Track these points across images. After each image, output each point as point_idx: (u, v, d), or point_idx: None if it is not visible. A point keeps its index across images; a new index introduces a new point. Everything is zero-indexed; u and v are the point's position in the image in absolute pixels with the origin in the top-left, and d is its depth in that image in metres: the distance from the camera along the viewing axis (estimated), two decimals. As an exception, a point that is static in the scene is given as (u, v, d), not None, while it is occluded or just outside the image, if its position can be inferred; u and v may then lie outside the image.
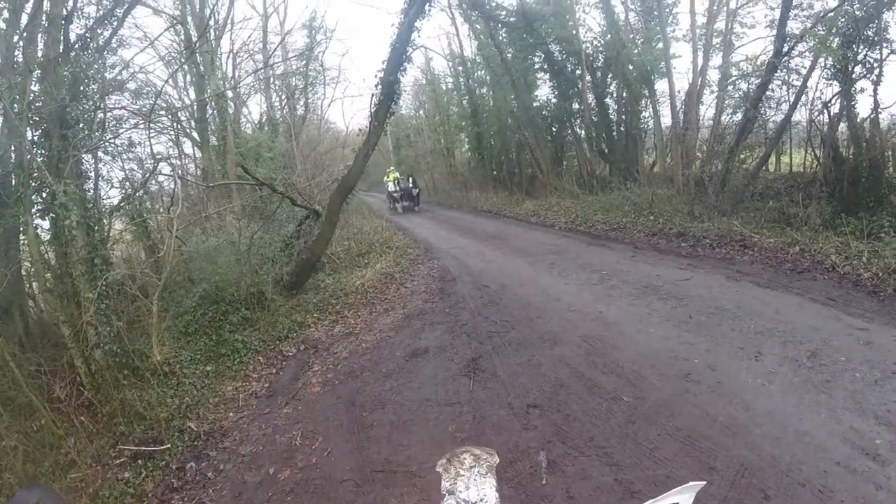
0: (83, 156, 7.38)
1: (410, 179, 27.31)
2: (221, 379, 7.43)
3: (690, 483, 1.14)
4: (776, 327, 6.22)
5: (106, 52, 8.55)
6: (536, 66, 21.67)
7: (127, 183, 9.58)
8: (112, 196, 9.08)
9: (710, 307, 7.12)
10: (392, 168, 29.56)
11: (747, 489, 3.68)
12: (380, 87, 10.72)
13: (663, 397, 5.08)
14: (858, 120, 10.54)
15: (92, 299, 6.59)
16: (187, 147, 18.85)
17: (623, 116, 19.80)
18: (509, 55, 21.16)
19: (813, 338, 5.83)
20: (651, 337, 6.46)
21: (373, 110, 10.96)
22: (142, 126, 9.55)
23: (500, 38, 21.27)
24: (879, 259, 7.52)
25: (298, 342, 8.46)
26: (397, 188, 26.42)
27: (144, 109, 9.90)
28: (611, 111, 20.14)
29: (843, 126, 10.90)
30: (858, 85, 10.41)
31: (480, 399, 5.62)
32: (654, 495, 3.75)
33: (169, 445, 5.82)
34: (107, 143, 8.37)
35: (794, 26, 11.64)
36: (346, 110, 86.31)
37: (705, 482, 1.14)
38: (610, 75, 19.76)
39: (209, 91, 16.34)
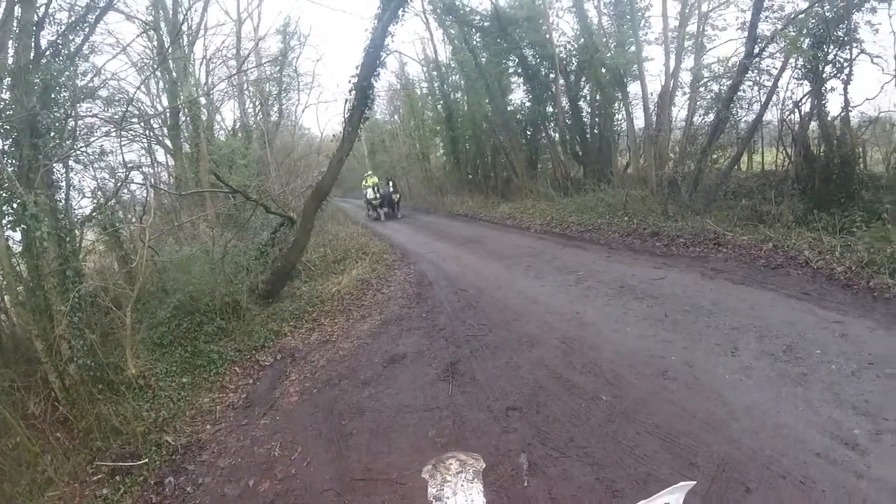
0: (54, 165, 7.21)
1: (391, 184, 25.88)
2: (198, 391, 7.28)
3: (680, 483, 1.12)
4: (751, 323, 6.25)
5: (77, 59, 8.36)
6: (510, 71, 21.78)
7: (99, 192, 9.41)
8: (84, 206, 8.89)
9: (685, 305, 7.14)
10: (370, 173, 27.96)
11: (729, 483, 3.67)
12: (353, 92, 10.65)
13: (641, 395, 5.06)
14: (829, 118, 10.73)
15: (64, 312, 6.44)
16: (160, 155, 18.60)
17: (597, 119, 19.95)
18: (483, 59, 21.23)
19: (788, 332, 5.86)
20: (628, 336, 6.46)
21: (346, 116, 10.88)
22: (114, 134, 9.35)
23: (475, 42, 21.35)
24: (852, 253, 7.61)
25: (275, 351, 8.33)
26: (376, 194, 25.15)
27: (116, 117, 9.71)
28: (584, 114, 20.27)
29: (813, 125, 11.07)
30: (829, 84, 10.60)
31: (459, 403, 5.56)
32: (636, 493, 3.77)
33: (146, 460, 5.69)
34: (78, 152, 8.19)
35: (764, 28, 11.81)
36: (321, 116, 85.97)
37: (694, 482, 1.12)
38: (583, 78, 19.90)
39: (182, 97, 16.14)
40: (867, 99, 10.84)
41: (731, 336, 6.01)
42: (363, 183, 26.86)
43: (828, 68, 10.51)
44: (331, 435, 5.51)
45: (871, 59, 10.28)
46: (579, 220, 14.32)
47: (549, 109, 20.81)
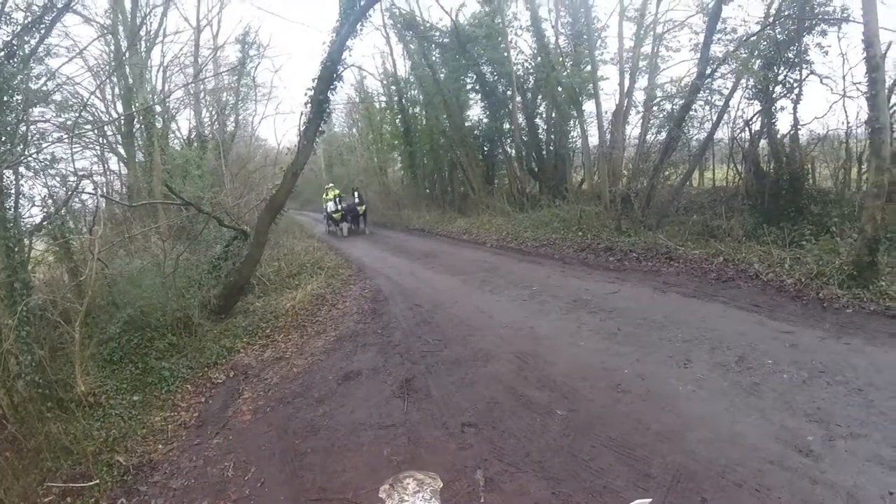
0: (4, 171, 6.89)
1: (356, 194, 23.45)
2: (149, 409, 6.99)
3: (636, 501, 1.06)
4: (703, 335, 6.31)
5: (32, 62, 8.03)
6: (468, 87, 21.84)
7: (49, 201, 9.01)
8: (33, 215, 8.53)
9: (638, 318, 7.19)
10: (331, 185, 26.39)
11: (685, 494, 3.64)
12: (309, 105, 10.51)
13: (596, 409, 5.03)
14: (779, 136, 11.09)
15: (12, 326, 6.19)
16: (113, 163, 18.02)
17: (552, 136, 20.13)
18: (442, 75, 21.32)
19: (740, 343, 5.93)
20: (582, 350, 6.46)
21: (302, 129, 10.73)
22: (66, 140, 9.01)
23: (434, 58, 21.45)
24: (801, 265, 7.79)
25: (228, 368, 8.06)
26: (338, 207, 23.15)
27: (69, 123, 9.37)
28: (540, 131, 20.44)
29: (763, 142, 11.45)
30: (779, 104, 11.03)
31: (415, 420, 5.46)
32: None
33: (98, 481, 5.42)
34: (29, 158, 7.85)
35: (717, 49, 12.18)
36: (279, 127, 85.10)
37: (650, 500, 1.07)
38: (540, 96, 20.10)
39: (137, 104, 15.73)
40: (816, 117, 11.34)
41: (684, 348, 6.05)
42: (323, 196, 25.44)
43: (778, 88, 10.88)
44: (285, 454, 5.34)
45: (820, 79, 10.70)
46: (534, 235, 14.39)
47: (506, 126, 20.92)
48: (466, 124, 22.36)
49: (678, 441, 4.27)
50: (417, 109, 26.31)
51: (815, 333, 5.98)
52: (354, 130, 37.99)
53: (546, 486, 4.01)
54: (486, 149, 22.39)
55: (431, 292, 10.24)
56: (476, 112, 23.00)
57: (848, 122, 10.67)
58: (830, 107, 10.87)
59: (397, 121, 27.64)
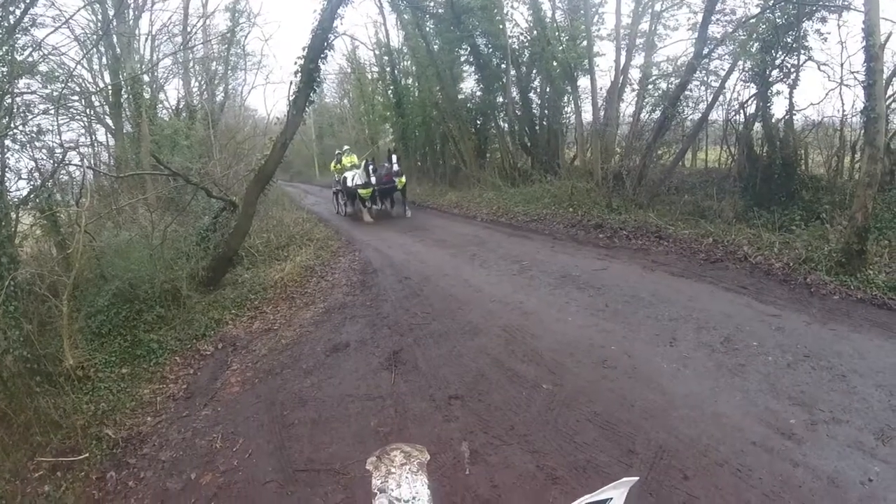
0: (-11, 144, 6.79)
1: (393, 159, 16.57)
2: (138, 381, 6.95)
3: (623, 479, 1.06)
4: (690, 314, 6.35)
5: (17, 32, 7.84)
6: (462, 59, 21.57)
7: (36, 174, 8.88)
8: (20, 188, 8.40)
9: (626, 296, 7.22)
10: (347, 148, 20.71)
11: (667, 471, 3.68)
12: (299, 74, 10.33)
13: (582, 384, 5.07)
14: (773, 120, 11.06)
15: (-1, 301, 6.09)
16: (100, 134, 17.69)
17: (546, 111, 19.99)
18: (436, 47, 20.99)
19: (726, 324, 5.98)
20: (569, 325, 6.48)
21: (292, 98, 10.57)
22: (52, 112, 8.86)
23: (428, 29, 21.09)
24: (790, 250, 7.83)
25: (216, 340, 8.03)
26: (369, 179, 16.52)
27: (55, 94, 9.20)
28: (534, 105, 20.27)
29: (758, 126, 11.43)
30: (775, 88, 10.97)
31: (402, 392, 5.48)
32: (575, 480, 3.75)
33: (87, 455, 5.40)
34: (15, 131, 7.73)
35: (715, 30, 12.13)
36: (269, 97, 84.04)
37: (637, 478, 1.06)
38: (534, 70, 19.89)
39: (125, 74, 15.44)
40: (812, 104, 11.24)
41: (670, 327, 6.08)
42: (334, 164, 20.12)
43: (775, 72, 10.84)
44: (273, 426, 5.35)
45: (818, 66, 10.65)
46: (525, 210, 14.36)
47: (500, 100, 20.68)
48: (459, 97, 22.07)
49: (662, 419, 4.31)
50: (410, 81, 25.98)
51: (801, 318, 6.02)
52: (346, 101, 37.53)
53: (530, 458, 4.05)
54: (478, 122, 22.14)
55: (421, 265, 10.23)
56: (469, 85, 22.69)
57: (843, 111, 10.64)
58: (827, 94, 10.84)
59: (389, 92, 27.25)
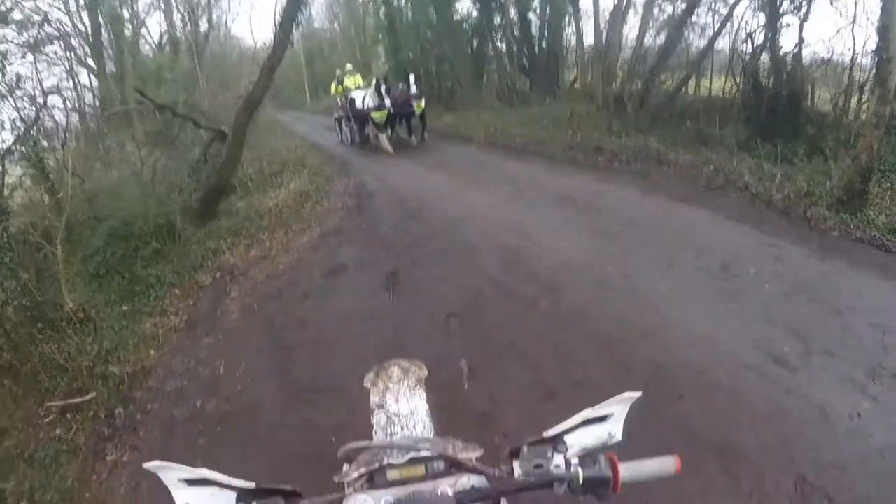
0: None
1: (411, 79, 14.26)
2: (139, 317, 6.98)
3: (625, 393, 1.03)
4: (689, 239, 6.35)
5: None
6: (457, -24, 20.81)
7: (19, 123, 8.64)
8: (5, 140, 8.21)
9: (625, 219, 7.21)
10: (349, 68, 18.23)
11: (662, 389, 3.75)
12: (284, -7, 9.96)
13: (579, 303, 5.11)
14: (781, 53, 10.75)
15: (-7, 254, 6.06)
16: (83, 77, 17.24)
17: (545, 32, 19.46)
18: (430, -37, 20.21)
19: (725, 251, 5.97)
20: (567, 246, 6.48)
21: (278, 21, 10.22)
22: (31, 59, 8.56)
23: (420, -56, 20.26)
24: (792, 182, 7.76)
25: (213, 270, 7.98)
26: (382, 101, 13.79)
27: (32, 40, 8.87)
28: (533, 26, 19.71)
29: (765, 57, 11.12)
30: (785, 20, 10.59)
31: (401, 312, 5.54)
32: (572, 395, 3.80)
33: (94, 394, 5.42)
34: None
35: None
36: (255, 26, 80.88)
37: (640, 393, 1.04)
38: (534, -11, 19.28)
39: (103, 13, 14.87)
40: (822, 40, 10.94)
41: (669, 251, 6.08)
42: (335, 86, 17.60)
43: (785, 3, 10.48)
44: (273, 350, 5.42)
45: (830, 1, 10.26)
46: (523, 132, 14.07)
47: (497, 20, 20.10)
48: (455, 17, 21.35)
49: (658, 339, 4.37)
50: (403, 1, 25.08)
51: (799, 250, 6.01)
52: (336, 25, 36.37)
53: (528, 374, 4.12)
54: (475, 43, 21.58)
55: (418, 188, 10.12)
56: (465, 5, 21.86)
57: (854, 50, 10.37)
58: (838, 31, 10.47)
59: (381, 14, 26.24)
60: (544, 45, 19.49)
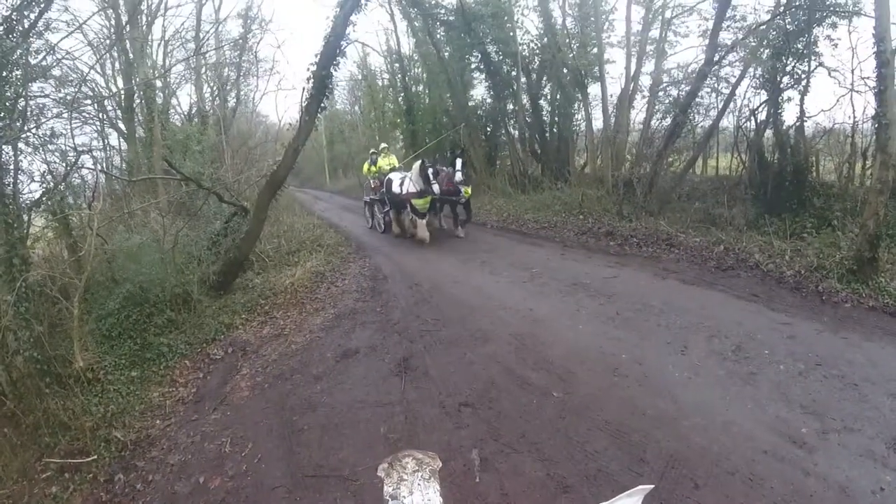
0: (2, 147, 6.86)
1: (459, 163, 12.41)
2: (147, 385, 7.03)
3: (638, 487, 1.06)
4: (702, 322, 6.33)
5: (32, 36, 7.94)
6: (473, 66, 21.59)
7: (48, 176, 8.98)
8: (32, 191, 8.49)
9: (637, 304, 7.20)
10: (384, 147, 16.89)
11: (678, 479, 3.68)
12: (311, 80, 10.39)
13: (592, 392, 5.06)
14: (784, 127, 11.06)
15: (10, 302, 6.17)
16: (113, 139, 17.89)
17: (556, 118, 20.00)
18: (446, 54, 21.07)
19: (737, 332, 5.95)
20: (580, 333, 6.47)
21: (304, 104, 10.62)
22: (65, 115, 8.97)
23: (438, 36, 21.17)
24: (802, 258, 7.81)
25: (226, 344, 8.06)
26: (426, 185, 12.25)
27: (69, 98, 9.32)
28: (544, 112, 20.30)
29: (769, 132, 11.42)
30: (786, 94, 10.97)
31: (412, 399, 5.50)
32: (586, 489, 3.75)
33: (95, 457, 5.46)
34: (28, 134, 7.82)
35: (726, 37, 12.21)
36: (280, 104, 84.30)
37: (652, 486, 1.07)
38: (545, 77, 19.94)
39: (138, 79, 15.60)
40: (823, 110, 11.28)
41: (682, 335, 6.06)
42: (367, 166, 16.23)
43: (785, 79, 10.86)
44: (282, 431, 5.38)
45: (828, 72, 10.67)
46: (535, 217, 14.33)
47: (510, 107, 20.74)
48: (470, 104, 22.08)
49: (673, 427, 4.31)
50: (420, 88, 26.04)
51: (812, 326, 6.00)
52: (356, 108, 37.67)
53: (541, 467, 4.06)
54: (488, 129, 22.21)
55: (431, 272, 10.22)
56: (480, 92, 22.74)
57: (854, 117, 10.64)
58: (838, 100, 10.85)
59: (400, 99, 27.29)
60: (555, 130, 19.99)
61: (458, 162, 12.27)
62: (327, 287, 10.27)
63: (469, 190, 13.05)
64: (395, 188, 13.21)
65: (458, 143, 16.42)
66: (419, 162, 12.56)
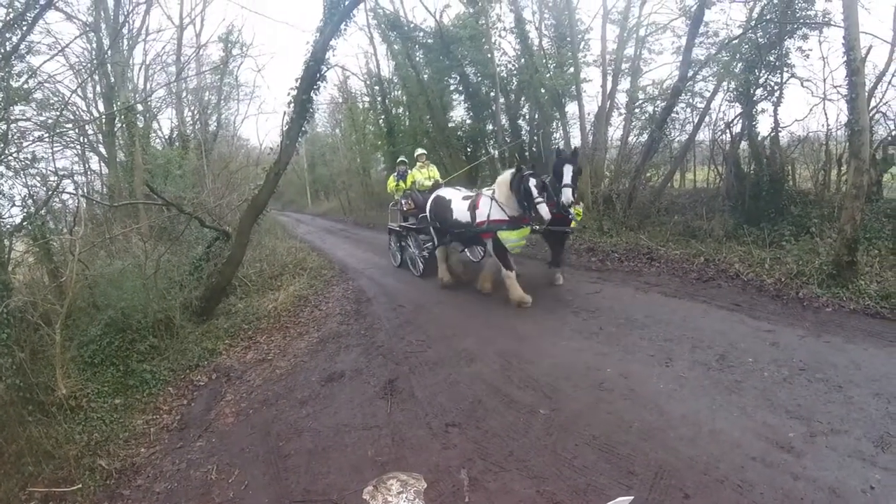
0: (-17, 171, 6.81)
1: (568, 171, 7.93)
2: (131, 412, 6.95)
3: (619, 498, 1.07)
4: (685, 334, 6.37)
5: (13, 59, 7.91)
6: (452, 88, 21.79)
7: (29, 201, 8.88)
8: (13, 215, 8.39)
9: (620, 318, 7.23)
10: (421, 153, 12.71)
11: (667, 490, 3.67)
12: (292, 105, 10.40)
13: (579, 407, 5.05)
14: (759, 138, 11.26)
15: (-9, 328, 6.08)
16: (94, 163, 17.80)
17: (535, 137, 20.17)
18: (426, 76, 21.30)
19: (721, 342, 6.00)
20: (564, 349, 6.47)
21: (285, 129, 10.62)
22: (46, 139, 8.90)
23: (418, 59, 21.39)
24: (781, 265, 7.90)
25: (210, 371, 8.01)
26: (523, 209, 8.01)
27: (50, 121, 9.25)
28: (523, 132, 20.47)
29: (744, 144, 11.59)
30: (760, 106, 11.14)
31: (398, 421, 5.46)
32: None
33: (80, 485, 5.39)
34: (9, 158, 7.76)
35: (699, 53, 12.44)
36: (261, 127, 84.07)
37: (632, 497, 1.07)
38: (523, 98, 20.10)
39: (119, 103, 15.54)
40: (797, 120, 11.55)
41: (665, 347, 6.09)
42: (394, 182, 12.73)
43: (759, 91, 11.04)
44: (268, 456, 5.32)
45: (801, 82, 10.86)
46: (517, 235, 14.31)
47: (490, 127, 20.94)
48: (450, 125, 22.33)
49: (660, 439, 4.30)
50: (401, 110, 26.21)
51: (795, 332, 6.06)
52: (337, 131, 37.72)
53: (530, 484, 4.02)
54: (469, 149, 22.37)
55: (415, 293, 10.20)
56: (459, 113, 22.92)
57: (828, 125, 10.82)
58: (811, 109, 11.07)
59: (380, 121, 27.42)
60: (534, 149, 20.12)
61: (568, 171, 8.00)
62: (311, 310, 10.23)
63: (581, 210, 9.65)
64: (457, 214, 9.20)
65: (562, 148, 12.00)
66: (511, 170, 8.30)
